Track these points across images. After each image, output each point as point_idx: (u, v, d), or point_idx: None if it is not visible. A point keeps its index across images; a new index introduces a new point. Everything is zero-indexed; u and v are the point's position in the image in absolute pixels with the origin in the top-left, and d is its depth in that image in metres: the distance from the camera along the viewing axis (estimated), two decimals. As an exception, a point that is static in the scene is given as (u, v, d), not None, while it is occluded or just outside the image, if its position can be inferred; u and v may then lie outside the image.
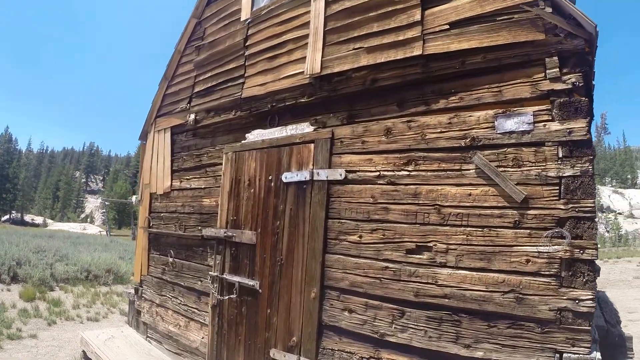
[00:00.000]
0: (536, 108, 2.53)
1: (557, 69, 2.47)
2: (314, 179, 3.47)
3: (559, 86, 2.46)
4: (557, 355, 2.32)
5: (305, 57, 3.71)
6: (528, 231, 2.48)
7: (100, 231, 46.92)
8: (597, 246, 2.36)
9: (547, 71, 2.51)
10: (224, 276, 4.14)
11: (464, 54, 2.82)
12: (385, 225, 3.04)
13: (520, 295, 2.45)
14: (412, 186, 2.96)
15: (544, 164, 2.47)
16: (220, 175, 4.46)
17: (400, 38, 3.11)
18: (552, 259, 2.38)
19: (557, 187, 2.41)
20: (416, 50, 3.00)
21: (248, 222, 4.04)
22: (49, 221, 65.30)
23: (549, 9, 2.51)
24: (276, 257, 3.71)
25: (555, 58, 2.49)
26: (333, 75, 3.51)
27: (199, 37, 5.07)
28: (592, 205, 2.35)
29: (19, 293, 9.13)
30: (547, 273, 2.39)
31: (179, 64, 5.32)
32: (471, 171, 2.73)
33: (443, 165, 2.85)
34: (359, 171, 3.25)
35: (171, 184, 5.24)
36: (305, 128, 3.70)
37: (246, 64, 4.32)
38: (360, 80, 3.36)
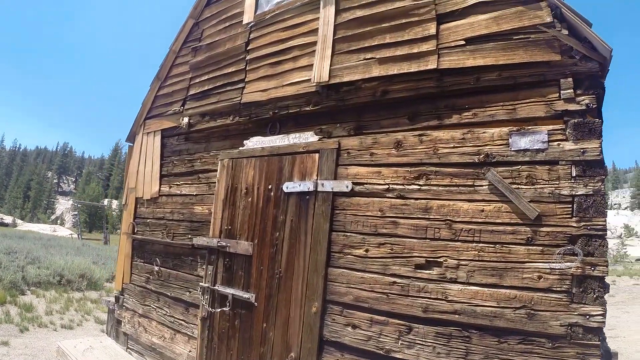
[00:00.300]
0: (550, 127, 2.61)
1: (572, 90, 2.57)
2: (318, 190, 3.46)
3: (573, 107, 2.56)
4: None
5: (311, 65, 3.72)
6: (540, 248, 2.55)
7: (71, 234, 46.49)
8: (608, 263, 2.46)
9: (562, 92, 2.61)
10: (216, 288, 4.07)
11: (479, 70, 2.90)
12: (394, 239, 3.06)
13: (532, 311, 2.51)
14: (422, 200, 2.99)
15: (557, 183, 2.55)
16: (215, 182, 4.40)
17: (415, 51, 3.16)
18: (564, 276, 2.45)
19: (570, 205, 2.50)
20: (431, 64, 3.06)
21: (244, 232, 3.99)
22: (19, 221, 64.46)
23: (565, 31, 2.62)
24: (274, 269, 3.67)
25: (570, 79, 2.59)
26: (341, 85, 3.53)
27: (196, 39, 5.02)
28: (604, 223, 2.44)
29: (-13, 297, 8.77)
30: (558, 289, 2.46)
31: (173, 64, 5.25)
32: (484, 187, 2.79)
33: (455, 180, 2.90)
34: (366, 184, 3.27)
35: (159, 189, 5.14)
36: (309, 137, 3.70)
37: (247, 68, 4.30)
38: (371, 91, 3.39)
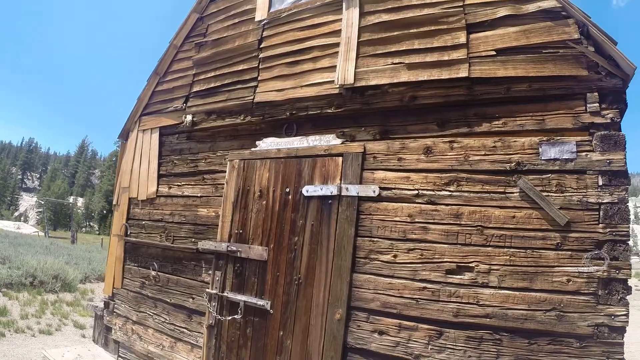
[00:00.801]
0: (578, 138, 2.88)
1: (597, 104, 2.86)
2: (343, 194, 3.58)
3: (598, 120, 2.84)
4: None
5: (333, 66, 3.84)
6: (569, 253, 2.82)
7: (35, 231, 46.63)
8: (631, 266, 2.74)
9: (588, 105, 2.89)
10: (226, 294, 4.11)
11: (510, 81, 3.13)
12: (424, 245, 3.22)
13: (562, 313, 2.76)
14: (454, 206, 3.18)
15: (585, 191, 2.82)
16: (223, 184, 4.45)
17: (445, 58, 3.35)
18: (591, 279, 2.72)
19: (597, 213, 2.78)
20: (462, 72, 3.25)
21: (257, 236, 4.07)
22: None
23: (592, 48, 2.90)
24: (292, 275, 3.76)
25: (596, 94, 2.88)
26: (367, 88, 3.67)
27: (201, 34, 5.05)
28: (628, 229, 2.73)
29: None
30: (586, 292, 2.73)
31: (174, 59, 5.24)
32: (515, 194, 3.02)
33: (487, 187, 3.11)
34: (394, 189, 3.42)
35: (157, 190, 5.13)
36: (331, 140, 3.84)
37: (260, 66, 4.37)
38: (398, 96, 3.54)
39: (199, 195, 4.74)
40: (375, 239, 3.44)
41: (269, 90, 4.27)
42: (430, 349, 3.11)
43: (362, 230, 3.50)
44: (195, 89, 4.95)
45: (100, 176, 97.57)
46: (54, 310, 9.32)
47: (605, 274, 2.70)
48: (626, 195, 2.77)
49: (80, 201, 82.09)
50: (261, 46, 4.45)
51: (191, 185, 4.85)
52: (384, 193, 3.46)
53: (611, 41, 2.87)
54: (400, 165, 3.46)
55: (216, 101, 4.69)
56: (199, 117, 4.83)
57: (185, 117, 4.88)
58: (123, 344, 5.20)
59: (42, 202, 60.97)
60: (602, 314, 2.68)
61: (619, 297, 2.67)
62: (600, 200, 2.78)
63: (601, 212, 2.77)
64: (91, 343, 5.86)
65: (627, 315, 2.65)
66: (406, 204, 3.36)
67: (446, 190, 3.24)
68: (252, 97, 4.37)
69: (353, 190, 3.56)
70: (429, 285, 3.17)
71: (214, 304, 4.22)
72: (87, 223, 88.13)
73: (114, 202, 5.65)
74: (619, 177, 2.77)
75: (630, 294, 2.78)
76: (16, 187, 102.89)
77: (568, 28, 2.99)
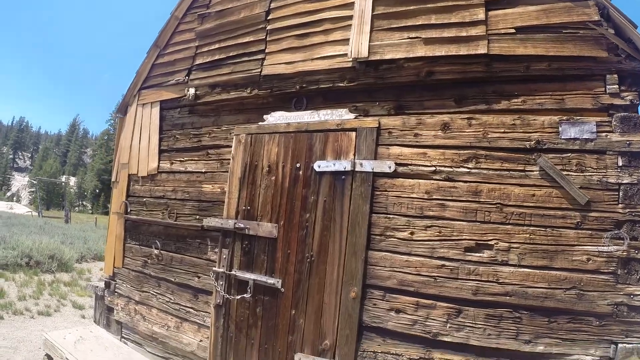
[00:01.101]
0: (598, 119, 2.95)
1: (617, 86, 2.92)
2: (356, 169, 3.58)
3: (617, 101, 2.91)
4: (613, 345, 2.76)
5: (346, 39, 3.79)
6: (589, 232, 2.89)
7: (28, 211, 47.59)
8: None
9: (607, 86, 2.95)
10: (234, 273, 4.14)
11: (530, 59, 3.16)
12: (442, 222, 3.25)
13: (581, 292, 2.85)
14: (472, 184, 3.20)
15: (605, 171, 2.89)
16: (229, 159, 4.42)
17: (463, 34, 3.33)
18: (611, 258, 2.81)
19: (616, 193, 2.85)
20: (481, 49, 3.25)
21: (267, 213, 4.08)
22: None
23: (612, 30, 2.95)
24: (304, 253, 3.78)
25: (615, 75, 2.94)
26: (381, 62, 3.64)
27: (204, 5, 4.92)
28: None
29: (-48, 281, 8.51)
30: (605, 271, 2.82)
31: (175, 31, 5.13)
32: (535, 172, 3.06)
33: (506, 165, 3.14)
34: (411, 165, 3.43)
35: (158, 166, 5.10)
36: (343, 114, 3.82)
37: (268, 39, 4.31)
38: (414, 71, 3.52)
39: (203, 170, 4.73)
40: (391, 216, 3.46)
41: (277, 62, 4.23)
42: (449, 327, 3.17)
43: (377, 206, 3.52)
44: (198, 62, 4.88)
45: (92, 155, 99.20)
46: (51, 291, 9.45)
47: (624, 253, 2.79)
48: None
49: (73, 180, 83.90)
50: (268, 18, 4.38)
51: (194, 160, 4.83)
52: (400, 169, 3.47)
53: (631, 24, 2.90)
54: (417, 141, 3.46)
55: (221, 74, 4.64)
56: (203, 91, 4.79)
57: (188, 91, 4.84)
58: (126, 324, 5.24)
59: (35, 182, 62.64)
60: (621, 293, 2.78)
61: (638, 277, 2.77)
62: (619, 181, 2.86)
63: (621, 192, 2.85)
64: (92, 324, 5.91)
65: None
66: (423, 181, 3.38)
67: (464, 167, 3.27)
68: (259, 70, 4.33)
69: (368, 165, 3.57)
70: (447, 263, 3.21)
71: (221, 282, 4.25)
72: (80, 202, 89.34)
73: (113, 179, 5.63)
74: (639, 158, 2.85)
75: None
76: (8, 167, 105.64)
77: (588, 9, 3.02)
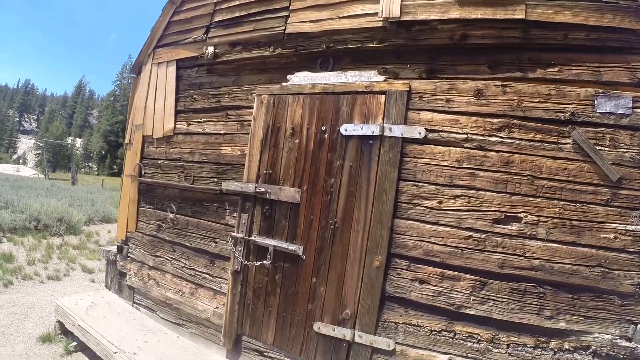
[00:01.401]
0: (634, 94, 3.17)
1: None
2: (385, 134, 3.84)
3: None
4: (633, 326, 3.06)
5: None
6: (619, 210, 3.16)
7: (35, 173, 51.60)
8: None
9: None
10: (253, 238, 4.49)
11: (568, 27, 3.35)
12: (471, 192, 3.52)
13: (607, 270, 3.14)
14: (504, 154, 3.44)
15: (638, 149, 3.14)
16: (250, 121, 4.72)
17: None
18: (638, 237, 3.08)
19: None
20: (518, 14, 3.43)
21: (289, 177, 4.38)
22: None
23: None
24: (328, 219, 4.09)
25: None
26: (414, 23, 3.84)
27: (224, -42, 5.17)
28: None
29: (-41, 244, 9.12)
30: (631, 250, 3.11)
31: None
32: (568, 145, 3.30)
33: (539, 136, 3.37)
34: (442, 131, 3.67)
35: (174, 127, 5.45)
36: (372, 76, 4.07)
37: None
38: (448, 34, 3.73)
39: (222, 132, 5.06)
40: (419, 184, 3.73)
41: (302, 20, 4.45)
42: (473, 299, 3.48)
43: (406, 173, 3.79)
44: (217, 19, 5.12)
45: (98, 116, 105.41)
46: (60, 255, 10.10)
47: None
48: None
49: (79, 142, 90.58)
50: None
51: (213, 121, 5.17)
52: (430, 135, 3.73)
53: None
54: (449, 107, 3.69)
55: (241, 32, 4.88)
56: (222, 49, 5.08)
57: (207, 49, 5.14)
58: (139, 290, 5.72)
59: (41, 144, 66.89)
60: None
61: None
62: None
63: None
64: (104, 289, 6.41)
65: None
66: (454, 148, 3.63)
67: (497, 136, 3.53)
68: (283, 28, 4.58)
69: (397, 130, 3.84)
70: (474, 234, 3.50)
71: (239, 248, 4.64)
72: (86, 164, 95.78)
73: (126, 141, 6.00)
74: None
75: None
76: (14, 129, 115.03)
77: None
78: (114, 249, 6.21)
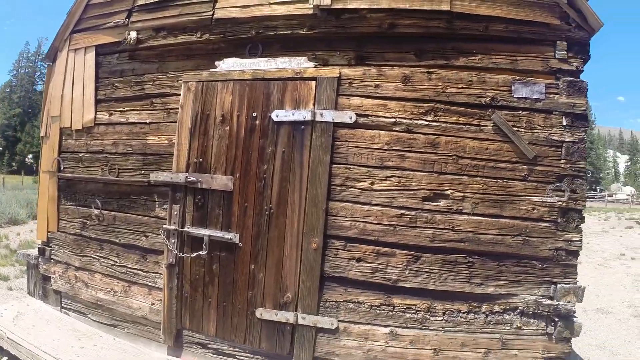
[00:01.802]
0: (547, 81, 3.86)
1: (565, 52, 3.86)
2: (316, 119, 4.19)
3: (565, 67, 3.84)
4: (553, 286, 3.79)
5: None
6: (535, 184, 3.82)
7: None
8: (586, 198, 3.78)
9: (557, 52, 3.88)
10: (186, 229, 4.70)
11: (489, 19, 3.97)
12: (401, 172, 3.99)
13: (527, 238, 3.80)
14: (431, 136, 3.96)
15: (551, 129, 3.82)
16: (177, 109, 4.89)
17: None
18: (552, 208, 3.77)
19: (559, 149, 3.82)
20: (444, 5, 3.94)
21: (221, 165, 4.62)
22: None
23: (565, 0, 3.77)
24: (263, 205, 4.40)
25: (565, 42, 3.87)
26: (344, 11, 4.22)
27: (143, -64, 5.32)
28: (584, 166, 3.77)
29: None
30: (547, 219, 3.79)
31: None
32: (489, 127, 3.90)
33: (462, 119, 3.93)
34: (371, 116, 4.09)
35: (95, 117, 5.49)
36: (302, 63, 4.37)
37: None
38: (376, 22, 4.15)
39: (147, 121, 5.20)
40: (351, 166, 4.15)
41: (231, 6, 4.68)
42: (408, 273, 3.98)
43: (338, 157, 4.19)
44: (140, 2, 5.22)
45: None
46: None
47: (564, 204, 3.77)
48: (585, 136, 3.81)
49: None
50: None
51: (137, 110, 5.29)
52: (361, 120, 4.14)
53: None
54: (378, 93, 4.13)
55: (166, 16, 5.04)
56: (146, 34, 5.22)
57: (129, 34, 5.24)
58: (66, 293, 5.74)
59: None
60: (560, 239, 3.80)
61: (574, 225, 3.80)
62: (563, 139, 3.82)
63: (563, 149, 3.83)
64: (27, 297, 6.33)
65: (581, 240, 3.81)
66: (384, 132, 4.08)
67: (423, 120, 4.02)
68: (211, 13, 4.77)
69: (328, 116, 4.20)
70: (406, 212, 3.98)
71: (173, 240, 4.83)
72: None
73: (42, 134, 6.03)
74: (581, 119, 3.85)
75: (584, 222, 3.87)
76: None
77: None
78: (34, 252, 6.21)
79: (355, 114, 4.18)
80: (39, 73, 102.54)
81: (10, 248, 11.81)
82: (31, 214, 17.63)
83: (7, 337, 5.07)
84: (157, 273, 5.05)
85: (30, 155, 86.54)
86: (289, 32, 4.51)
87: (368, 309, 4.11)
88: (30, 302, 6.02)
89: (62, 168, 5.79)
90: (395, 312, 4.05)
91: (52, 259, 5.90)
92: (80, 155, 5.68)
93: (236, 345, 4.60)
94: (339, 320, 4.16)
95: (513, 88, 3.92)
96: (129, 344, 5.18)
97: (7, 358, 5.24)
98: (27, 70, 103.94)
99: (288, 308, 4.33)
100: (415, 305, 4.02)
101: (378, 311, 4.09)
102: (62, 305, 5.81)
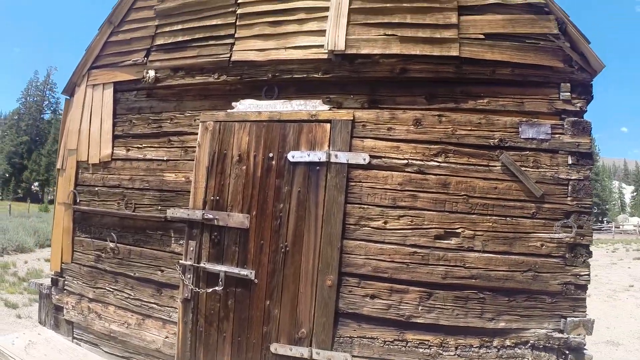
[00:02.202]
0: (552, 122, 4.19)
1: (569, 93, 4.20)
2: (331, 161, 4.53)
3: (569, 107, 4.19)
4: (563, 320, 4.06)
5: (321, 30, 4.72)
6: (543, 221, 4.13)
7: None
8: (592, 234, 4.09)
9: (561, 93, 4.23)
10: (203, 265, 5.00)
11: (495, 64, 4.34)
12: (413, 212, 4.32)
13: (536, 273, 4.10)
14: (442, 176, 4.30)
15: (557, 168, 4.15)
16: (194, 147, 5.25)
17: (437, 36, 4.39)
18: (560, 244, 4.07)
19: (566, 187, 4.13)
20: (453, 51, 4.33)
21: (237, 203, 4.96)
22: None
23: (568, 44, 4.19)
24: (278, 243, 4.71)
25: (568, 84, 4.22)
26: (357, 56, 4.61)
27: (163, -20, 5.66)
28: (591, 202, 4.09)
29: None
30: (556, 255, 4.10)
31: (132, 7, 5.83)
32: (497, 167, 4.22)
33: (472, 160, 4.27)
34: (384, 157, 4.44)
35: (112, 152, 5.84)
36: (317, 106, 4.75)
37: (238, 23, 5.14)
38: (389, 67, 4.54)
39: (165, 158, 5.56)
40: (365, 206, 4.48)
41: (248, 49, 5.09)
42: (421, 309, 4.27)
43: (352, 197, 4.52)
44: (158, 42, 5.64)
45: (1, 136, 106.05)
46: None
47: (572, 240, 4.07)
48: (590, 174, 4.16)
49: None
50: (239, 1, 5.22)
51: (154, 147, 5.66)
52: (374, 161, 4.48)
53: (585, 39, 4.17)
54: (390, 135, 4.49)
55: (184, 57, 5.44)
56: (164, 73, 5.60)
57: (147, 73, 5.62)
58: (78, 324, 6.01)
59: None
60: (569, 274, 4.08)
61: (582, 260, 4.09)
62: (569, 177, 4.15)
63: (570, 187, 4.15)
64: (38, 326, 6.62)
65: (589, 274, 4.09)
66: (396, 173, 4.43)
67: (434, 161, 4.36)
68: (228, 55, 5.18)
69: (343, 157, 4.55)
70: (418, 250, 4.30)
71: (189, 276, 5.12)
72: None
73: (58, 166, 6.36)
74: (585, 157, 4.18)
75: (592, 257, 4.19)
76: None
77: (549, 23, 4.24)
78: (46, 281, 6.52)
79: (369, 155, 4.53)
80: (47, 102, 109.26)
81: (19, 276, 12.24)
82: (38, 242, 18.36)
83: (19, 366, 5.25)
84: (171, 307, 5.34)
85: (36, 183, 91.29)
86: (305, 75, 4.90)
87: (382, 345, 4.38)
88: (41, 331, 6.29)
89: (77, 200, 6.12)
90: (409, 347, 4.32)
91: (65, 289, 6.19)
92: (96, 188, 6.02)
93: (250, 379, 4.78)
94: (353, 356, 4.42)
95: (520, 129, 4.28)
96: (141, 376, 5.36)
97: None
98: (35, 99, 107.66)
99: (303, 343, 4.59)
100: (428, 340, 4.29)
101: (392, 347, 4.36)
102: (74, 335, 6.09)
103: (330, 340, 4.51)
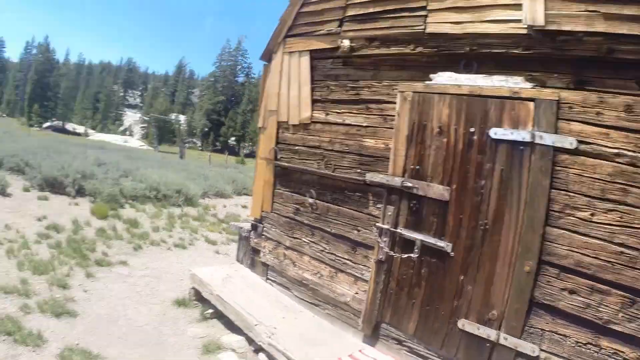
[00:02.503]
0: None
1: None
2: (536, 141, 4.42)
3: None
4: None
5: (515, 5, 4.51)
6: None
7: (142, 145, 65.89)
8: None
9: None
10: (399, 231, 5.31)
11: None
12: (623, 207, 4.04)
13: None
14: None
15: None
16: (392, 116, 5.46)
17: None
18: None
19: None
20: None
21: (437, 175, 5.10)
22: (90, 131, 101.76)
23: None
24: (478, 219, 4.79)
25: None
26: (558, 33, 4.34)
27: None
28: None
29: (90, 209, 11.45)
30: None
31: None
32: None
33: None
34: (593, 144, 4.18)
35: (312, 115, 6.32)
36: (520, 82, 4.60)
37: None
38: (594, 46, 4.18)
39: (364, 124, 5.84)
40: (571, 194, 4.31)
41: (442, 21, 5.05)
42: (621, 316, 4.01)
43: (557, 182, 4.38)
44: (350, 13, 5.84)
45: (200, 95, 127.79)
46: (182, 225, 12.05)
47: None
48: None
49: (182, 118, 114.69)
50: None
51: (353, 113, 5.96)
52: (581, 147, 4.25)
53: None
54: (599, 120, 4.19)
55: (378, 27, 5.57)
56: (358, 43, 5.77)
57: (342, 42, 5.84)
58: (273, 267, 6.79)
59: (147, 119, 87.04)
60: None
61: None
62: None
63: None
64: (236, 263, 7.62)
65: None
66: (605, 162, 4.15)
67: None
68: (422, 27, 5.19)
69: (548, 139, 4.40)
70: (626, 251, 4.02)
71: (385, 239, 5.46)
72: (190, 139, 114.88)
73: (259, 125, 6.99)
74: None
75: None
76: (119, 103, 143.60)
77: None
78: (245, 225, 7.45)
79: (576, 140, 4.31)
80: (239, 67, 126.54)
81: (218, 217, 14.28)
82: (235, 190, 20.98)
83: (217, 294, 6.25)
84: (364, 265, 5.78)
85: (233, 138, 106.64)
86: (504, 50, 4.75)
87: (573, 345, 4.26)
88: (238, 268, 7.28)
89: (278, 157, 6.77)
90: (601, 354, 4.13)
91: (263, 234, 7.00)
92: (296, 147, 6.59)
93: (431, 349, 5.15)
94: (541, 349, 4.40)
95: None
96: (327, 323, 6.05)
97: (212, 311, 6.45)
98: (229, 63, 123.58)
99: (492, 325, 4.70)
100: (624, 352, 4.04)
101: (583, 349, 4.21)
102: (268, 276, 6.93)
103: (520, 328, 4.51)
